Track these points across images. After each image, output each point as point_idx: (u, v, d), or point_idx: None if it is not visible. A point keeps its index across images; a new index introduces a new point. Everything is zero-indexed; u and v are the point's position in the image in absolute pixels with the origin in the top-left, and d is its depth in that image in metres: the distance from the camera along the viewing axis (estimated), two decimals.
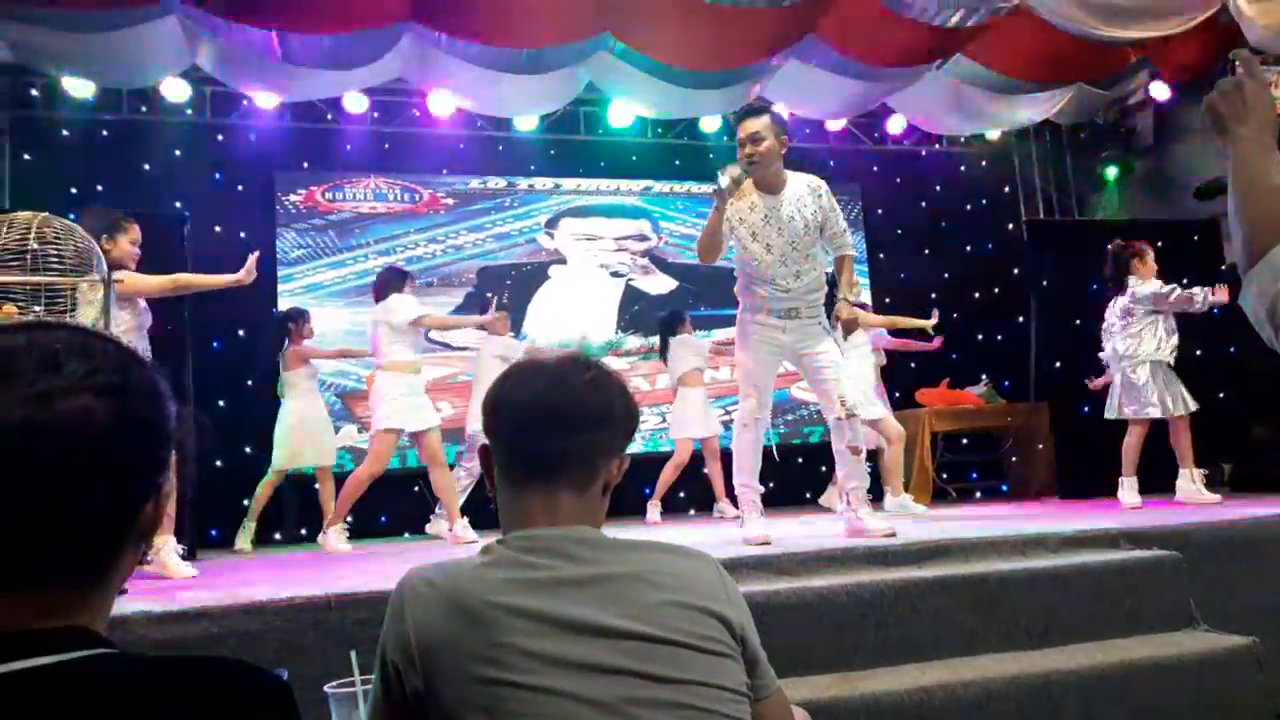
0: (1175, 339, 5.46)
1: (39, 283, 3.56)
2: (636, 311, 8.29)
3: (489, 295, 7.09)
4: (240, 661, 0.84)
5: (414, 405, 5.24)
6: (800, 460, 7.92)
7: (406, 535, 6.65)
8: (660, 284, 8.41)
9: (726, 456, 5.34)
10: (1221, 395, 6.45)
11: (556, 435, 1.29)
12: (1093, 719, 2.68)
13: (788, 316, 3.98)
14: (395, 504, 6.83)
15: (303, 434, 6.09)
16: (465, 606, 1.16)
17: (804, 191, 4.04)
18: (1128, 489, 5.44)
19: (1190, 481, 5.33)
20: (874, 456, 5.96)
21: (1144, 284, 5.49)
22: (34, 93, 6.89)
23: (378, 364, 5.38)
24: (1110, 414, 5.59)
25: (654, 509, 6.73)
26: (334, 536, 5.31)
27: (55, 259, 3.56)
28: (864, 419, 6.06)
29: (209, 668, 0.82)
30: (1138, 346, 5.47)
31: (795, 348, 4.03)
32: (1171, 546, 3.35)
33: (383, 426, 5.21)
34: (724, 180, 3.81)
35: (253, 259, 4.59)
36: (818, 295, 4.06)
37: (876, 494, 6.05)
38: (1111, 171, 8.31)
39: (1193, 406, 5.36)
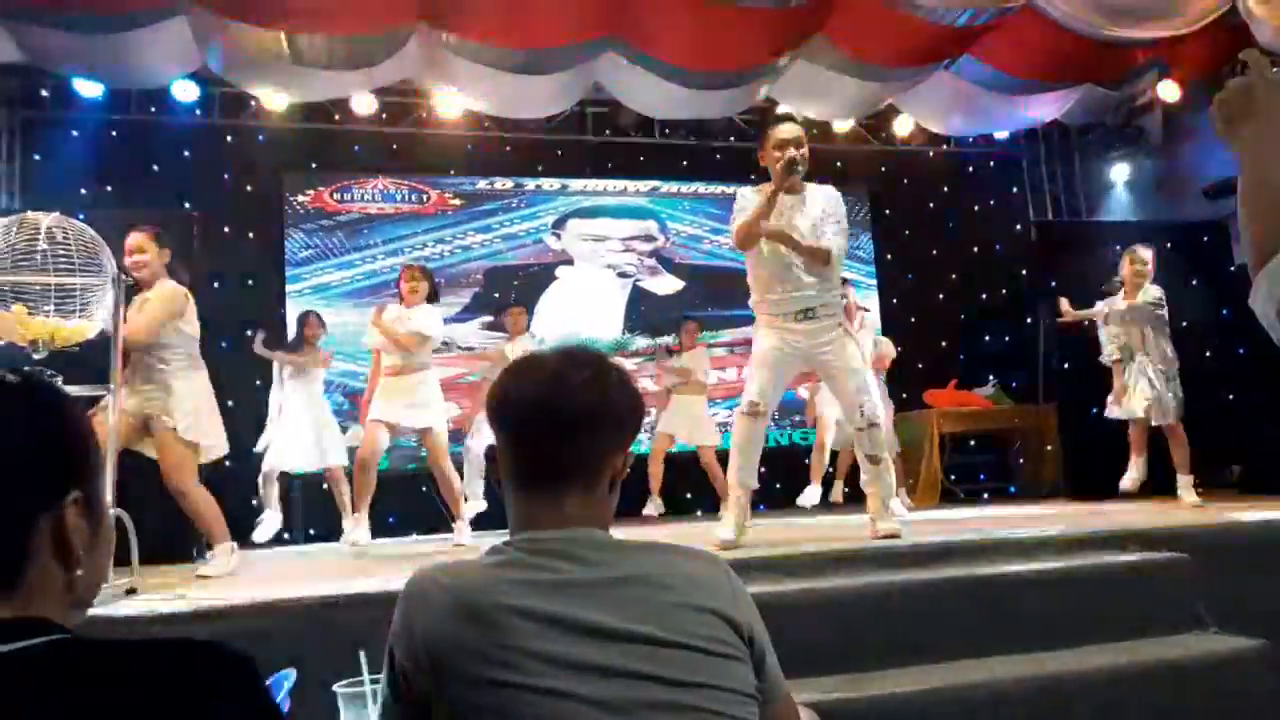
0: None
1: (50, 283, 3.58)
2: (643, 312, 8.30)
3: (496, 296, 7.10)
4: (201, 640, 0.85)
5: (401, 405, 5.18)
6: (807, 461, 7.89)
7: (414, 536, 6.66)
8: (667, 284, 8.42)
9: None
10: (1231, 397, 6.42)
11: (558, 436, 1.28)
12: None
13: (806, 318, 3.97)
14: (404, 504, 6.83)
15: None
16: (473, 608, 1.16)
17: (822, 194, 4.10)
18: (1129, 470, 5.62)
19: (1186, 489, 5.37)
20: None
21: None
22: (44, 93, 6.92)
23: None
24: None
25: (653, 504, 6.81)
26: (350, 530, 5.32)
27: (65, 259, 3.58)
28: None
29: (168, 647, 0.83)
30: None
31: (813, 353, 4.01)
32: (1180, 548, 3.34)
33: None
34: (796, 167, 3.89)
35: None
36: (833, 296, 4.06)
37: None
38: (1120, 172, 8.29)
39: (1174, 417, 5.46)
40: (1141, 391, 5.47)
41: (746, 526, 3.93)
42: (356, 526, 5.17)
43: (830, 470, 6.81)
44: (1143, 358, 5.48)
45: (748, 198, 4.04)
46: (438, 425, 5.19)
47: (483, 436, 6.37)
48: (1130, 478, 5.52)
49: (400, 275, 5.46)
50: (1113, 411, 5.64)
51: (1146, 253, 5.59)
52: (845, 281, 6.63)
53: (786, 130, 4.02)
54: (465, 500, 5.44)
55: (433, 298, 5.39)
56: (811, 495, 6.45)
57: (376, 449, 5.13)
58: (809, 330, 3.98)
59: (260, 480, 6.12)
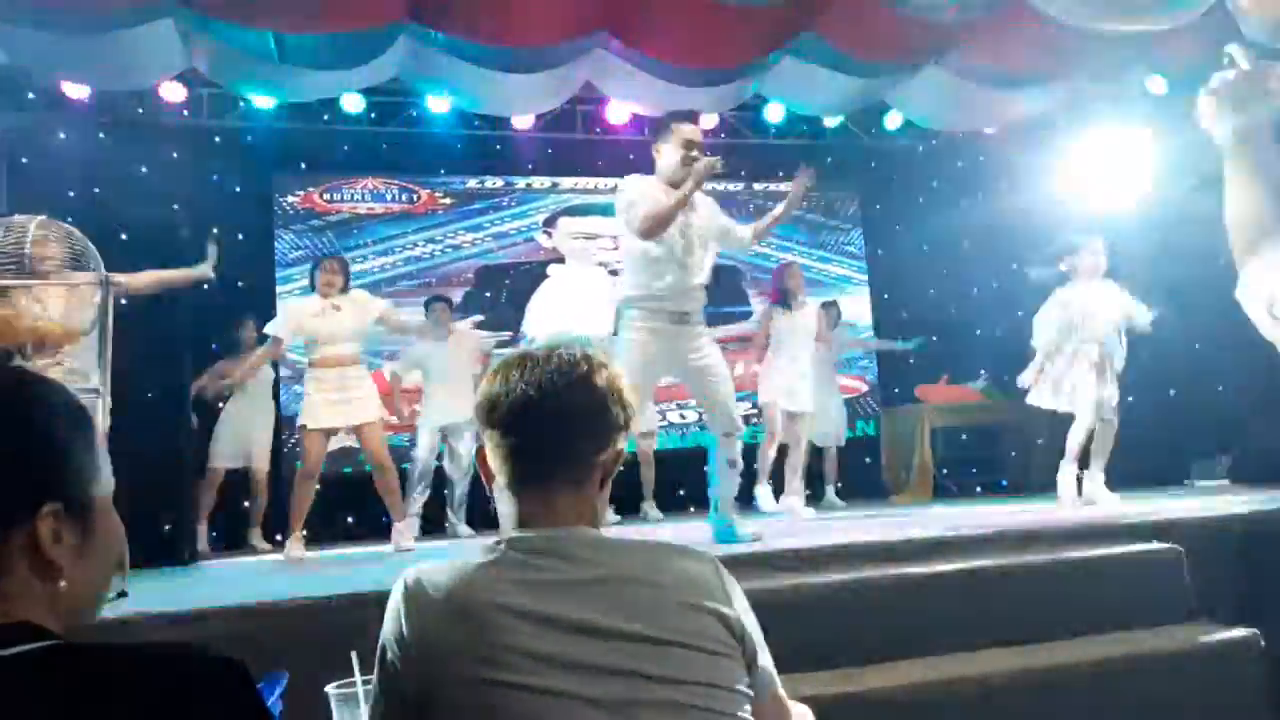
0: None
1: (38, 286, 3.56)
2: None
3: (488, 295, 7.06)
4: (193, 646, 0.85)
5: (335, 401, 4.99)
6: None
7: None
8: None
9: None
10: (1220, 388, 6.45)
11: (547, 436, 1.29)
12: (1095, 713, 2.68)
13: (681, 321, 3.93)
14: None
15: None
16: (465, 608, 1.16)
17: (708, 203, 4.12)
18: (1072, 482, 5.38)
19: (1091, 481, 5.30)
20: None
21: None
22: (30, 95, 6.87)
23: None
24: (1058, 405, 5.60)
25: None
26: (290, 545, 5.02)
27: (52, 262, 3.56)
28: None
29: (159, 652, 0.83)
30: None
31: (686, 357, 3.95)
32: (1172, 539, 3.35)
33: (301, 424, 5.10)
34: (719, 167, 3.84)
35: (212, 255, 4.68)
36: (703, 303, 4.06)
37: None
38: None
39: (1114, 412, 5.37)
40: (1086, 387, 5.31)
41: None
42: (296, 541, 4.96)
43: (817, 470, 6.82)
44: (1095, 348, 5.36)
45: (643, 187, 3.93)
46: (376, 418, 5.08)
47: (424, 442, 6.35)
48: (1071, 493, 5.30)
49: (321, 268, 5.22)
50: (1046, 400, 5.45)
51: (1100, 243, 5.58)
52: (791, 264, 6.67)
53: (693, 131, 3.99)
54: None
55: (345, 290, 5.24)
56: (766, 497, 6.23)
57: (320, 457, 5.04)
58: (680, 334, 3.93)
59: (203, 486, 6.08)
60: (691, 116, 4.12)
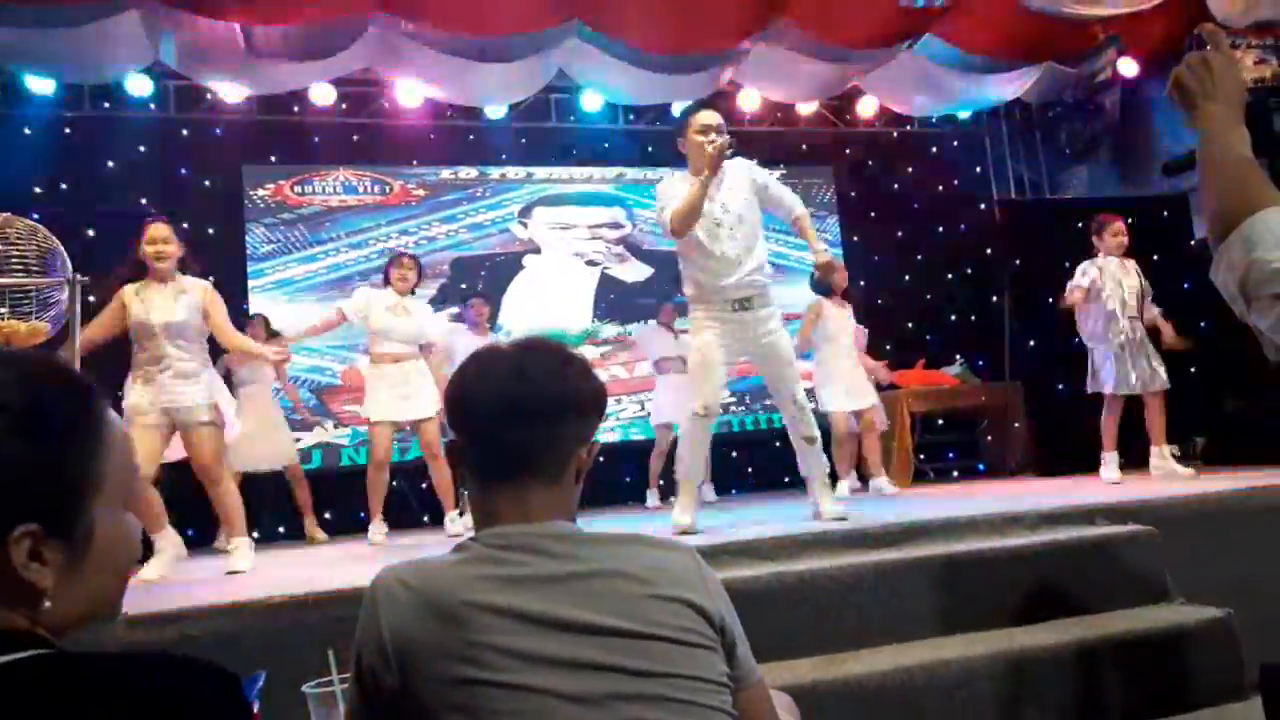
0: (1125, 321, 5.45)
1: (3, 284, 3.50)
2: (612, 300, 8.28)
3: (463, 287, 7.00)
4: (183, 655, 0.82)
5: (399, 396, 5.18)
6: (778, 444, 7.93)
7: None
8: (635, 271, 8.40)
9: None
10: (1193, 370, 6.51)
11: (521, 429, 1.26)
12: (1072, 693, 2.70)
13: (742, 308, 3.94)
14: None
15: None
16: (440, 606, 1.15)
17: (739, 170, 4.08)
18: (1109, 464, 5.42)
19: (1162, 459, 5.37)
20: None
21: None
22: None
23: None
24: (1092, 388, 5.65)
25: (652, 495, 6.84)
26: (374, 531, 5.26)
27: (18, 260, 3.50)
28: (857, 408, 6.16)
29: (149, 663, 0.80)
30: (1092, 326, 5.51)
31: (758, 341, 3.99)
32: (1147, 521, 3.38)
33: (368, 417, 5.29)
34: (728, 148, 3.84)
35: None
36: (767, 282, 4.05)
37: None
38: (1081, 149, 8.36)
39: (1165, 384, 5.40)
40: (1112, 365, 5.38)
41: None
42: (378, 526, 5.24)
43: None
44: (1128, 320, 5.42)
45: (674, 185, 4.00)
46: (435, 413, 5.21)
47: None
48: (1116, 471, 5.38)
49: (392, 263, 5.40)
50: (1117, 387, 5.42)
51: (1120, 222, 5.60)
52: (836, 260, 6.59)
53: (710, 116, 4.02)
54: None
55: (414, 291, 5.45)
56: (843, 488, 6.12)
57: (389, 448, 5.23)
58: (749, 320, 3.95)
59: None
60: (705, 104, 4.18)
